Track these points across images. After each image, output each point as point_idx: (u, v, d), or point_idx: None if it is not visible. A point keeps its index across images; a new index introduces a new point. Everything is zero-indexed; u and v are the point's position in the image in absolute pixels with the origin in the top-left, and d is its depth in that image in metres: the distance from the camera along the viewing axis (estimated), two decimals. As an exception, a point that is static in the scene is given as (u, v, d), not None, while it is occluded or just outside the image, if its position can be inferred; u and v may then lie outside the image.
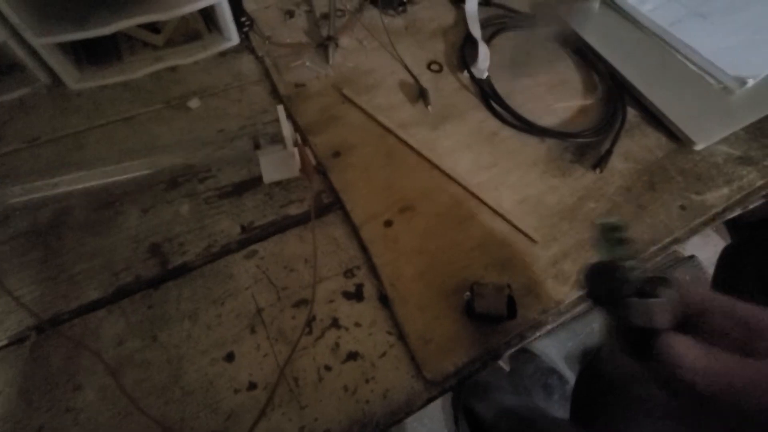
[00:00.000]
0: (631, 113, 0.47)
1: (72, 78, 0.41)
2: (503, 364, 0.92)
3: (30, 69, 0.40)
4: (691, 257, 1.69)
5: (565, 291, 0.36)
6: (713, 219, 0.42)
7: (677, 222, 0.40)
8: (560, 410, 1.02)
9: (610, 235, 0.21)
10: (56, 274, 0.33)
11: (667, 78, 0.49)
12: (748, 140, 0.46)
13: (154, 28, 0.44)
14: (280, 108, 0.35)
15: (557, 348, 1.52)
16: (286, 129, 0.35)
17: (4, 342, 0.31)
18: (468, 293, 0.33)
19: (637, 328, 0.18)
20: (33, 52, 0.39)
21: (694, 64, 0.50)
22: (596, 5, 0.55)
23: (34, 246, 0.34)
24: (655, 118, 0.47)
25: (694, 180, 0.43)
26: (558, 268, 0.37)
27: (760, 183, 0.44)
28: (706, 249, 1.77)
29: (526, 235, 0.38)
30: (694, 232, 0.41)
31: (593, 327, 1.58)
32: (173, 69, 0.45)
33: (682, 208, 0.41)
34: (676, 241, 0.40)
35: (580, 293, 0.36)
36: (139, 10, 0.39)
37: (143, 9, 0.39)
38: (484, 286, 0.32)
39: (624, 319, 0.18)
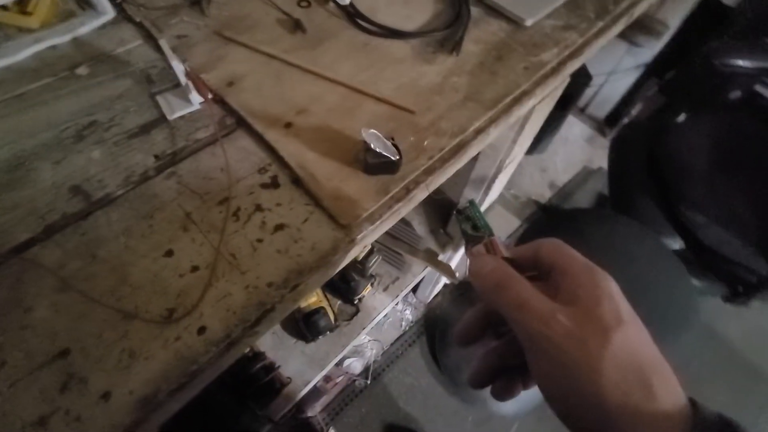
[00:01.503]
0: (475, 10, 0.57)
1: (-50, 69, 0.42)
2: (453, 279, 1.00)
3: None
4: (599, 168, 1.91)
5: (445, 140, 0.44)
6: (551, 72, 0.52)
7: (523, 78, 0.50)
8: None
9: (463, 217, 0.28)
10: (-20, 229, 0.35)
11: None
12: (567, 12, 0.58)
13: (24, 12, 0.46)
14: (164, 42, 0.40)
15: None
16: (175, 62, 0.40)
17: (-58, 294, 0.32)
18: (364, 151, 0.39)
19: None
20: None
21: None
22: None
23: (-50, 213, 0.36)
24: (494, 11, 0.57)
25: (531, 47, 0.53)
26: (436, 127, 0.44)
27: (580, 41, 0.55)
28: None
29: (405, 109, 0.45)
30: (537, 84, 0.51)
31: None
32: (53, 48, 0.47)
33: (525, 68, 0.51)
34: (525, 93, 0.50)
35: (458, 140, 0.44)
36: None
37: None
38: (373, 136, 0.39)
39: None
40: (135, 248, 0.35)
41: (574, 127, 1.90)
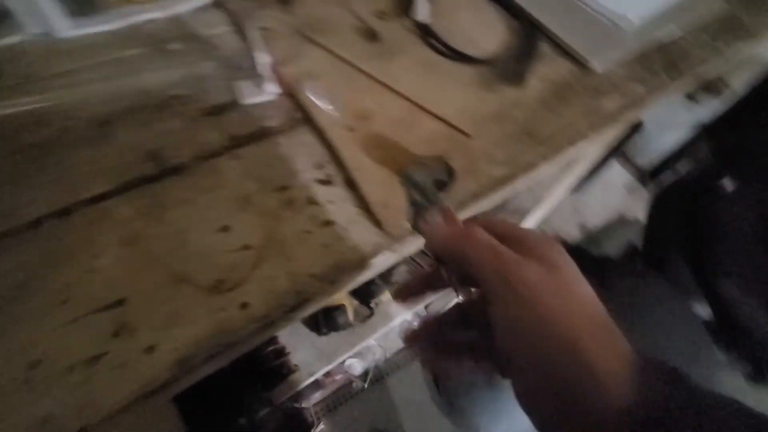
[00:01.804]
0: (545, 47, 0.58)
1: (61, 26, 0.47)
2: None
3: (19, 16, 0.45)
4: (635, 220, 1.86)
5: (495, 168, 0.45)
6: (610, 120, 0.53)
7: (581, 121, 0.51)
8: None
9: (410, 183, 0.29)
10: (66, 174, 0.38)
11: (570, 18, 0.60)
12: (636, 65, 0.58)
13: (133, -15, 0.50)
14: (258, 36, 0.43)
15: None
16: (261, 53, 0.43)
17: (22, 227, 0.36)
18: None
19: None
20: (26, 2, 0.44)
21: (590, 7, 0.61)
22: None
23: (43, 155, 0.39)
24: (562, 49, 0.58)
25: (594, 92, 0.54)
26: (489, 154, 0.46)
27: (644, 94, 0.55)
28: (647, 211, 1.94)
29: (462, 131, 0.47)
30: (594, 129, 0.51)
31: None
32: (152, 21, 0.51)
33: (585, 112, 0.52)
34: (581, 135, 0.50)
35: (507, 171, 0.45)
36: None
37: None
38: (427, 159, 0.41)
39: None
40: (195, 218, 0.38)
41: (615, 173, 1.87)
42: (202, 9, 0.53)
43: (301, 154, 0.43)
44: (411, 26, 0.56)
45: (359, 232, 0.39)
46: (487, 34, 0.58)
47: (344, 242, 0.39)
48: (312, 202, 0.40)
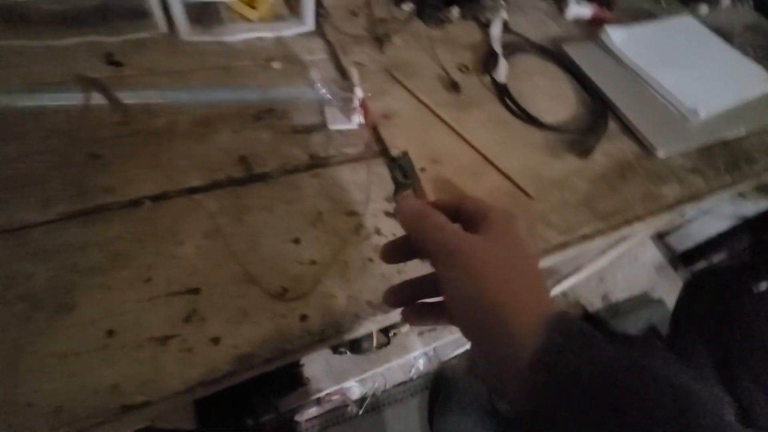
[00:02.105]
0: (612, 124, 0.60)
1: (185, 31, 0.52)
2: None
3: (155, 17, 0.51)
4: (660, 300, 1.82)
5: (552, 234, 0.46)
6: (667, 208, 0.54)
7: (639, 203, 0.52)
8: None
9: (396, 165, 0.32)
10: (166, 163, 0.42)
11: (640, 102, 0.62)
12: (698, 157, 0.60)
13: (250, 4, 0.56)
14: (355, 71, 0.47)
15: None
16: (357, 87, 0.47)
17: (124, 203, 0.39)
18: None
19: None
20: (164, 5, 0.50)
21: (661, 96, 0.64)
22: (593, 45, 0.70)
23: (149, 142, 0.44)
24: (629, 130, 0.60)
25: (655, 177, 0.55)
26: (547, 218, 0.48)
27: (703, 188, 0.56)
28: (673, 294, 1.90)
29: (524, 192, 0.49)
30: (651, 214, 0.52)
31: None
32: (261, 39, 0.56)
33: (644, 195, 0.53)
34: (638, 217, 0.52)
35: (563, 239, 0.47)
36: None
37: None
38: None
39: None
40: (272, 226, 0.41)
41: (647, 250, 1.84)
42: (305, 35, 0.58)
43: (374, 185, 0.46)
44: (489, 84, 0.60)
45: (416, 268, 0.41)
46: (558, 102, 0.61)
47: (402, 276, 0.41)
48: (378, 231, 0.43)
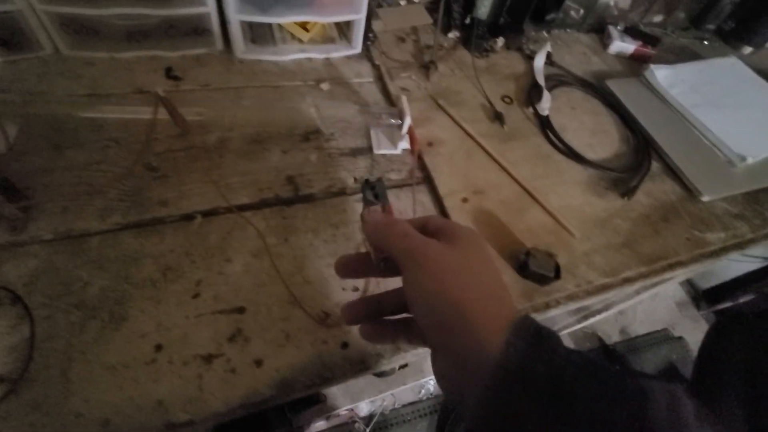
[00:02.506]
0: (655, 164, 0.59)
1: (240, 49, 0.54)
2: None
3: (213, 35, 0.53)
4: (680, 338, 1.77)
5: (595, 275, 0.46)
6: (711, 255, 0.53)
7: (683, 248, 0.51)
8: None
9: (368, 187, 0.32)
10: (218, 179, 0.43)
11: (685, 144, 0.61)
12: (744, 203, 0.58)
13: (303, 26, 0.58)
14: (404, 98, 0.47)
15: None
16: (407, 115, 0.47)
17: (177, 217, 0.40)
18: (524, 255, 0.43)
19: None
20: (222, 23, 0.52)
21: (706, 138, 0.63)
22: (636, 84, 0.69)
23: (202, 157, 0.45)
24: (673, 171, 0.59)
25: (699, 222, 0.54)
26: (590, 259, 0.47)
27: (748, 235, 0.55)
28: (695, 333, 1.85)
29: (567, 229, 0.48)
30: (695, 260, 0.51)
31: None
32: (311, 60, 0.58)
33: (688, 239, 0.52)
34: (681, 263, 0.50)
35: (606, 281, 0.46)
36: (304, 11, 0.53)
37: (307, 11, 0.53)
38: (537, 251, 0.42)
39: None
40: (316, 248, 0.41)
41: (668, 286, 1.79)
42: (353, 58, 0.60)
43: (417, 212, 0.46)
44: (532, 116, 0.60)
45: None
46: (601, 138, 0.61)
47: (442, 308, 0.40)
48: (419, 261, 0.43)
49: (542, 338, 0.20)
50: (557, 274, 0.42)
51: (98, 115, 0.42)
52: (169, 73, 0.51)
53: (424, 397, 1.34)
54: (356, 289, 0.40)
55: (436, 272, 0.22)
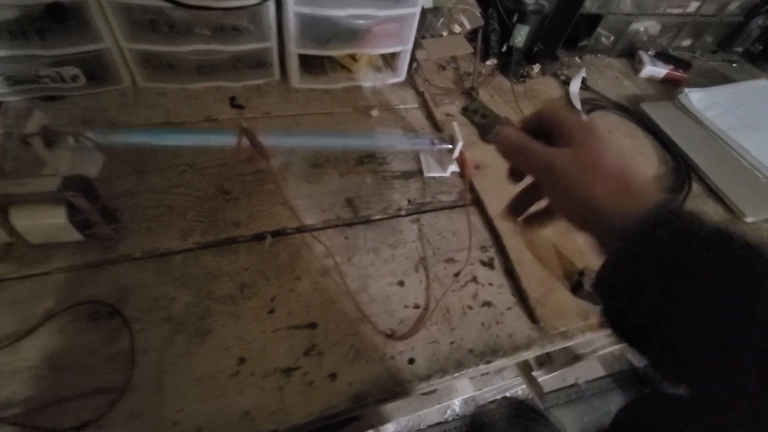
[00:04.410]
0: (696, 186, 0.60)
1: (295, 79, 0.58)
2: (537, 401, 0.97)
3: (273, 66, 0.57)
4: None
5: (646, 296, 0.46)
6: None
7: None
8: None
9: (470, 112, 0.34)
10: (284, 202, 0.46)
11: (725, 165, 0.62)
12: (788, 224, 0.59)
13: (353, 57, 0.62)
14: (455, 124, 0.50)
15: (573, 419, 1.52)
16: (459, 140, 0.50)
17: (249, 237, 0.43)
18: (578, 276, 0.44)
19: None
20: (281, 56, 0.56)
21: (745, 160, 0.64)
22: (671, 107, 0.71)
23: (269, 180, 0.48)
24: (714, 193, 0.60)
25: (745, 243, 0.55)
26: (640, 279, 0.48)
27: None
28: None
29: (616, 250, 0.50)
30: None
31: (610, 407, 1.58)
32: (358, 88, 0.61)
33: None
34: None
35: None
36: (357, 44, 0.56)
37: (360, 44, 0.56)
38: (590, 272, 0.44)
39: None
40: (378, 267, 0.43)
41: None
42: (399, 85, 0.63)
43: (469, 233, 0.48)
44: (572, 139, 0.62)
45: (514, 321, 0.42)
46: (640, 161, 0.62)
47: (500, 327, 0.42)
48: (474, 280, 0.45)
49: (671, 218, 0.21)
50: (611, 294, 0.43)
51: (183, 145, 0.45)
52: (233, 102, 0.54)
53: (450, 418, 1.32)
54: (417, 306, 0.41)
55: (567, 182, 0.25)
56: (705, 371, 0.20)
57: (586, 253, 0.49)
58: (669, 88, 0.78)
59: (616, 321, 0.24)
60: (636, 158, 0.62)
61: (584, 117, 0.26)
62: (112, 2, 0.45)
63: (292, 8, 0.49)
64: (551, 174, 0.25)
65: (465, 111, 0.35)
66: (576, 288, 0.44)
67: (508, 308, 0.43)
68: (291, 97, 0.58)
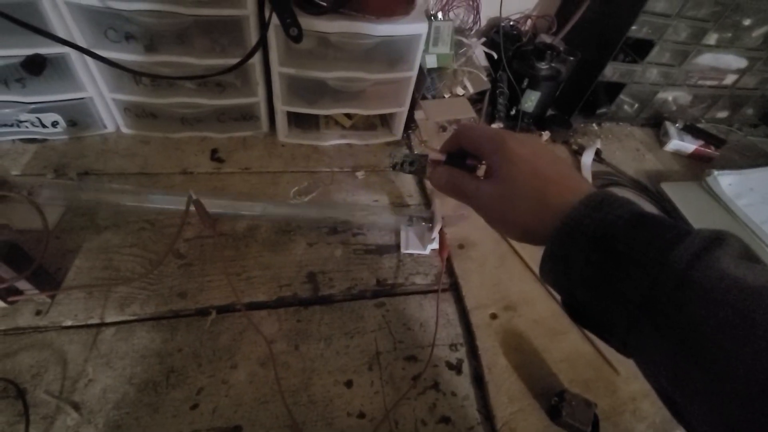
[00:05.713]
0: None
1: (283, 133, 0.56)
2: None
3: (261, 120, 0.55)
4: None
5: (641, 429, 0.39)
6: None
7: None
8: None
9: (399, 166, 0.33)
10: (240, 272, 0.43)
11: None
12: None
13: (348, 115, 0.59)
14: (438, 200, 0.46)
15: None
16: (438, 214, 0.45)
17: (193, 311, 0.40)
18: (556, 398, 0.37)
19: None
20: (270, 111, 0.54)
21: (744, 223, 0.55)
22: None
23: (229, 246, 0.45)
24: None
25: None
26: (636, 405, 0.40)
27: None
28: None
29: (610, 364, 0.43)
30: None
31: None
32: (350, 146, 0.58)
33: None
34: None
35: (655, 437, 0.39)
36: (349, 104, 0.54)
37: (352, 105, 0.54)
38: (573, 397, 0.37)
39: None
40: (327, 360, 0.39)
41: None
42: (393, 144, 0.60)
43: (440, 326, 0.43)
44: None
45: None
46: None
47: (457, 452, 0.36)
48: (435, 387, 0.39)
49: (603, 202, 0.22)
50: (596, 427, 0.36)
51: (139, 205, 0.44)
52: (214, 155, 0.53)
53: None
54: (362, 416, 0.36)
55: (495, 215, 0.27)
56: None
57: (571, 362, 0.42)
58: (697, 165, 0.71)
59: (573, 310, 0.25)
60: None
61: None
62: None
63: (276, 68, 0.47)
64: (479, 209, 0.28)
65: (393, 167, 0.33)
66: (553, 413, 0.37)
67: (470, 429, 0.37)
68: (276, 152, 0.55)
